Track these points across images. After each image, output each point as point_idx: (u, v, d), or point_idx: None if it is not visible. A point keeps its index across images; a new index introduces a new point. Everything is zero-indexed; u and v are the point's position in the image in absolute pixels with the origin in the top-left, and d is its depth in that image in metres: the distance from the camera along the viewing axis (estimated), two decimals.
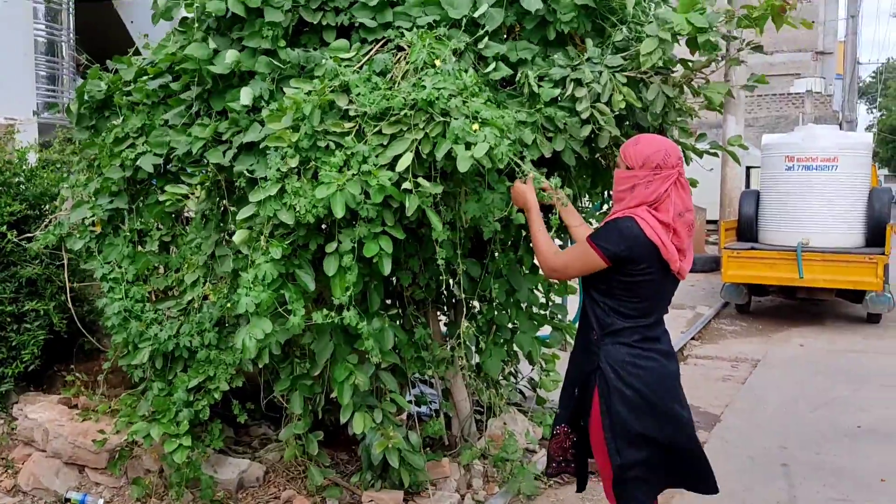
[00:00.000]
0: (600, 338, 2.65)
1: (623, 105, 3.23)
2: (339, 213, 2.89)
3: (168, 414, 3.60)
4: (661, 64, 3.26)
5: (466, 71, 3.15)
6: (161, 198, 3.67)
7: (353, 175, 2.94)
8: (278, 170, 3.03)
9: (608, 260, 2.54)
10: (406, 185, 2.95)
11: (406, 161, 2.92)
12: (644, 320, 2.62)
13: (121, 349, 3.83)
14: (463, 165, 2.81)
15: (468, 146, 2.82)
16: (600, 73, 3.27)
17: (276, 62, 3.38)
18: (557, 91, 3.31)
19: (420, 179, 2.98)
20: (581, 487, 3.00)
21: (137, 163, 3.65)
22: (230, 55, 3.41)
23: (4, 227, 4.49)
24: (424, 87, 2.92)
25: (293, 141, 3.04)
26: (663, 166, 2.53)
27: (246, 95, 3.36)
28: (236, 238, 3.24)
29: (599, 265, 2.57)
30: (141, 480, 3.86)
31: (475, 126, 2.82)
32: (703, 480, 2.76)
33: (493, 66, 3.32)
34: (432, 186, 3.00)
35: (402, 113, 2.95)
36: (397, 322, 3.93)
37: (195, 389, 3.67)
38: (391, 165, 2.96)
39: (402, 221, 3.10)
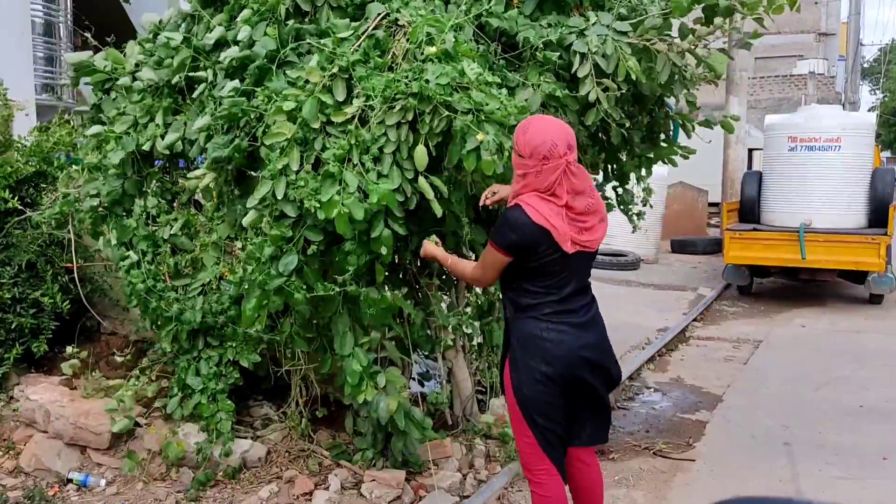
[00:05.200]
0: (513, 315, 2.76)
1: (632, 75, 3.23)
2: (346, 231, 2.95)
3: (206, 390, 3.79)
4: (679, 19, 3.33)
5: (468, 46, 3.13)
6: (187, 184, 3.77)
7: (354, 167, 2.98)
8: (275, 164, 3.06)
9: (507, 253, 2.62)
10: (421, 181, 3.03)
11: (422, 159, 2.99)
12: (554, 295, 2.67)
13: (141, 326, 3.97)
14: (469, 166, 2.92)
15: (475, 150, 2.89)
16: (605, 38, 3.25)
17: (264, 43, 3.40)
18: (556, 56, 3.29)
19: (433, 179, 3.07)
20: None
21: (151, 146, 3.76)
22: (231, 52, 3.47)
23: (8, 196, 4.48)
24: (427, 80, 2.94)
25: (291, 136, 3.05)
26: (550, 157, 2.54)
27: (229, 90, 3.39)
28: (245, 220, 3.29)
29: (505, 260, 2.66)
30: (134, 455, 3.87)
31: (480, 136, 2.86)
32: (600, 431, 2.90)
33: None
34: (441, 182, 3.07)
35: (407, 101, 2.97)
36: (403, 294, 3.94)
37: (225, 362, 3.85)
38: (394, 150, 3.04)
39: (402, 205, 3.14)
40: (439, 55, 3.03)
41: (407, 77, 3.01)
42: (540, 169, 2.55)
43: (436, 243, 3.13)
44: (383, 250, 3.10)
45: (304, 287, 3.14)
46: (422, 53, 3.08)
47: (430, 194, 3.04)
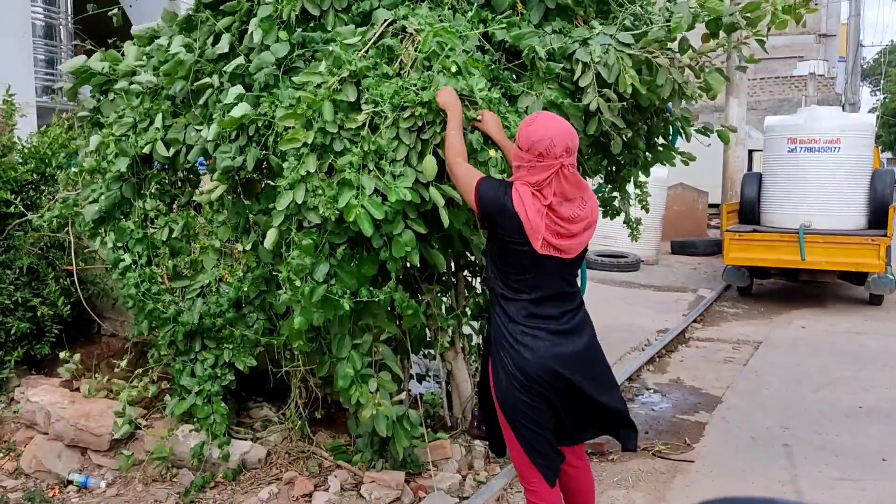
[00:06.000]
0: (492, 310, 2.75)
1: (630, 88, 3.25)
2: (369, 231, 2.95)
3: (203, 391, 3.81)
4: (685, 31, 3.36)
5: (474, 57, 3.16)
6: (197, 198, 3.81)
7: (370, 172, 3.01)
8: (296, 171, 3.06)
9: (477, 206, 2.64)
10: (432, 190, 3.05)
11: (432, 168, 3.01)
12: (528, 295, 2.63)
13: (138, 328, 3.99)
14: None
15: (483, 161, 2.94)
16: (608, 49, 3.26)
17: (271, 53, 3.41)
18: (560, 67, 3.30)
19: (444, 188, 3.08)
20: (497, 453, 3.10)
21: (151, 149, 3.75)
22: (234, 64, 3.46)
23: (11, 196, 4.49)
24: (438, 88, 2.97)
25: (308, 141, 3.06)
26: (546, 155, 2.52)
27: (232, 97, 3.40)
28: (267, 242, 3.26)
29: (472, 204, 2.67)
30: (131, 457, 3.89)
31: (492, 153, 2.91)
32: (624, 431, 2.86)
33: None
34: (452, 188, 3.07)
35: (417, 111, 3.00)
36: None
37: (220, 364, 3.88)
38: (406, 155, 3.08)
39: (418, 209, 3.17)
40: (449, 67, 3.06)
41: (416, 85, 3.04)
42: (534, 165, 2.53)
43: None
44: (414, 255, 3.12)
45: (348, 294, 3.15)
46: (430, 62, 3.11)
47: (440, 203, 3.04)
